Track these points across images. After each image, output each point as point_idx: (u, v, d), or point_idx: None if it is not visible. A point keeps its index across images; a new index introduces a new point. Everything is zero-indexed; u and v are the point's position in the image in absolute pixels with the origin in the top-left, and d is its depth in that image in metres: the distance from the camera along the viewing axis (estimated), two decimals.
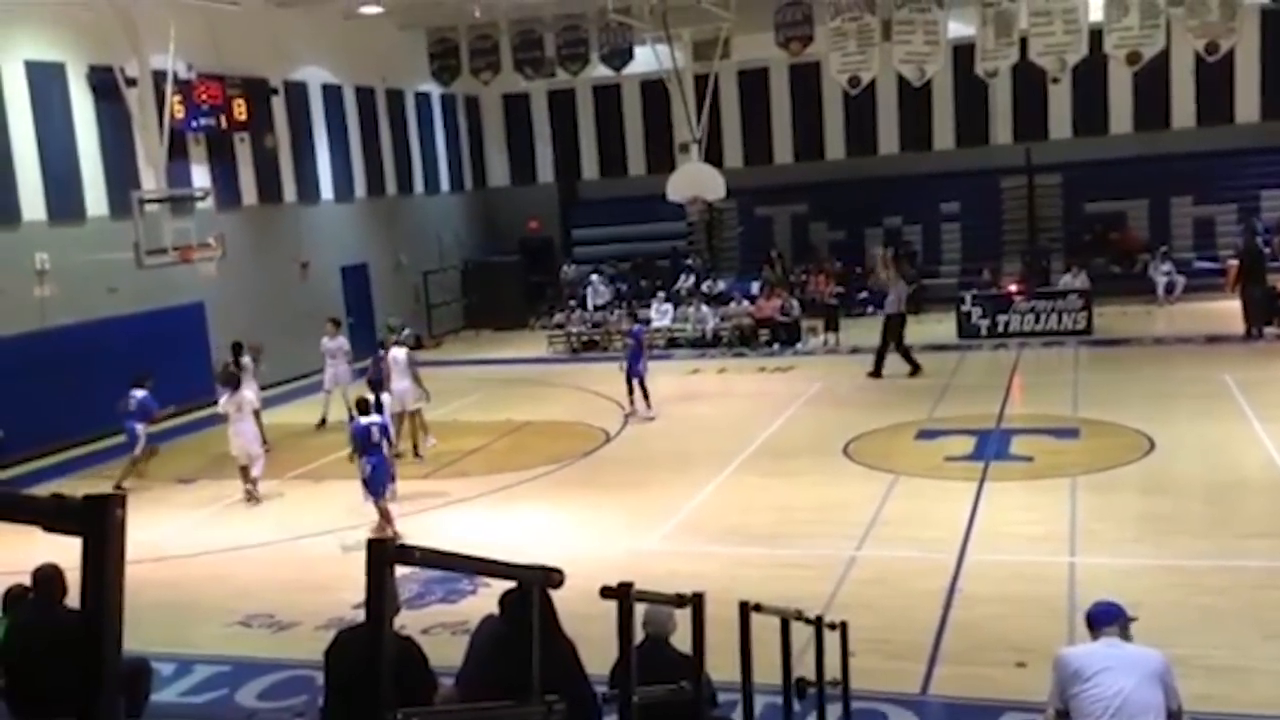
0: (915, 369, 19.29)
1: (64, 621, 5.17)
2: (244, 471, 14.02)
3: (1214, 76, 25.33)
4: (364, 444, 11.81)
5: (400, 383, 15.28)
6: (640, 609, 4.99)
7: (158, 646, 8.21)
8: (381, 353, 15.99)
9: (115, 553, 1.48)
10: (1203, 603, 8.84)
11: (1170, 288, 25.29)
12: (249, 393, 14.46)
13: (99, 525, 1.48)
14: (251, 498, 13.87)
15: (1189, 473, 12.72)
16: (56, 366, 17.19)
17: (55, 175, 18.15)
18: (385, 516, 11.95)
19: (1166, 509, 11.41)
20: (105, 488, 10.83)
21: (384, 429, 12.29)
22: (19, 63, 17.66)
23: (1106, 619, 4.97)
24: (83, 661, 1.48)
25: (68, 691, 1.52)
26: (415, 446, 15.52)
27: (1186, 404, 15.74)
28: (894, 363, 19.30)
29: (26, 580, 5.95)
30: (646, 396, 17.25)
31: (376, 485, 11.84)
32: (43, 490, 1.93)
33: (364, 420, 12.04)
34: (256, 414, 14.37)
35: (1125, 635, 4.95)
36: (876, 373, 19.32)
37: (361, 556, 2.34)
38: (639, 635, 5.18)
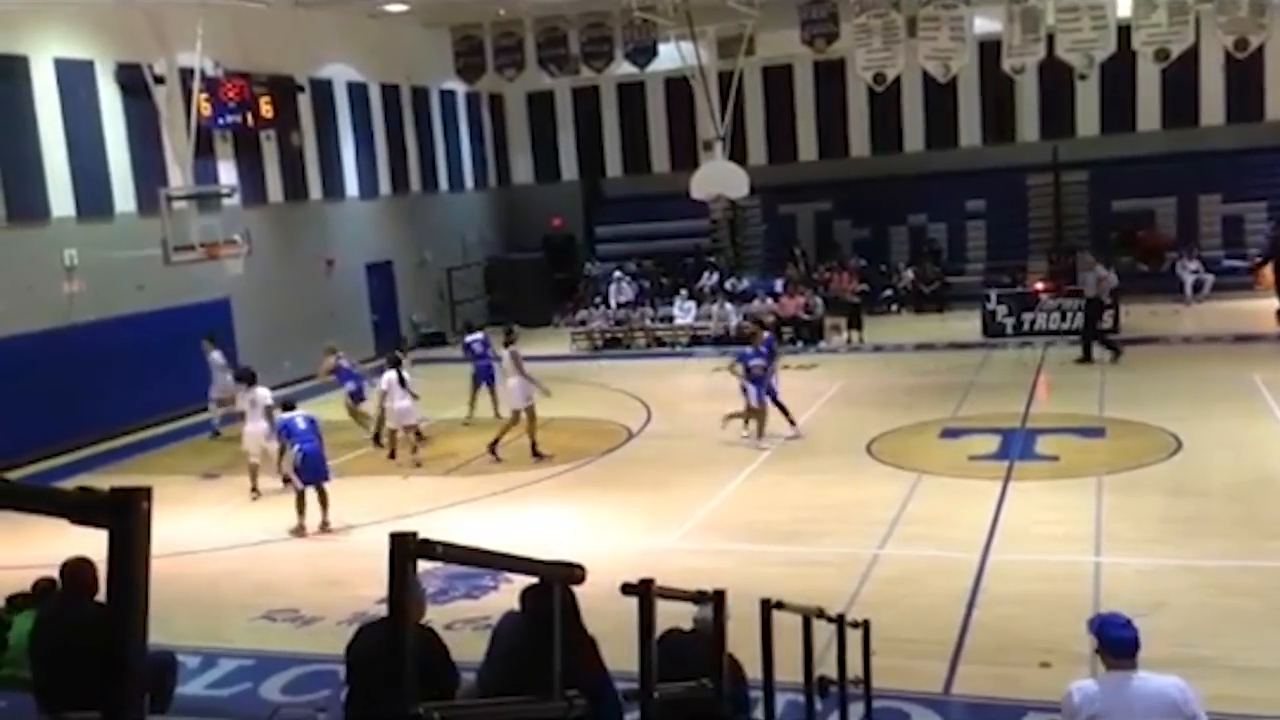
0: (1087, 358, 19.13)
1: (90, 615, 5.21)
2: (254, 470, 14.06)
3: (1243, 73, 25.08)
4: (291, 434, 12.47)
5: (511, 379, 15.30)
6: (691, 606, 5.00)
7: (184, 640, 8.29)
8: (479, 346, 17.14)
9: (141, 546, 1.49)
10: (1228, 603, 8.77)
11: (1198, 286, 25.05)
12: (262, 390, 14.35)
13: (125, 518, 1.49)
14: (255, 492, 13.99)
15: (1216, 473, 12.60)
16: (84, 362, 17.35)
17: (84, 172, 18.31)
18: (301, 503, 12.47)
19: (1193, 509, 11.33)
20: (132, 481, 10.93)
21: (311, 420, 12.75)
22: (48, 60, 17.83)
23: (1125, 650, 4.47)
24: (108, 655, 1.50)
25: (94, 685, 1.53)
26: (534, 445, 15.16)
27: (1214, 404, 15.59)
28: (915, 364, 19.19)
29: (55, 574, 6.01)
30: (786, 411, 15.43)
31: (307, 472, 12.36)
32: (70, 485, 1.96)
33: (286, 415, 12.76)
34: (269, 411, 13.94)
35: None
36: (1115, 353, 19.22)
37: (384, 551, 2.35)
38: (686, 625, 5.20)
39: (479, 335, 18.18)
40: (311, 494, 12.45)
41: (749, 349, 15.49)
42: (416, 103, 27.53)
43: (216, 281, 19.67)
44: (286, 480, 13.82)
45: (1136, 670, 4.45)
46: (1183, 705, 4.37)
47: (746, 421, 15.32)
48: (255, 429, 14.02)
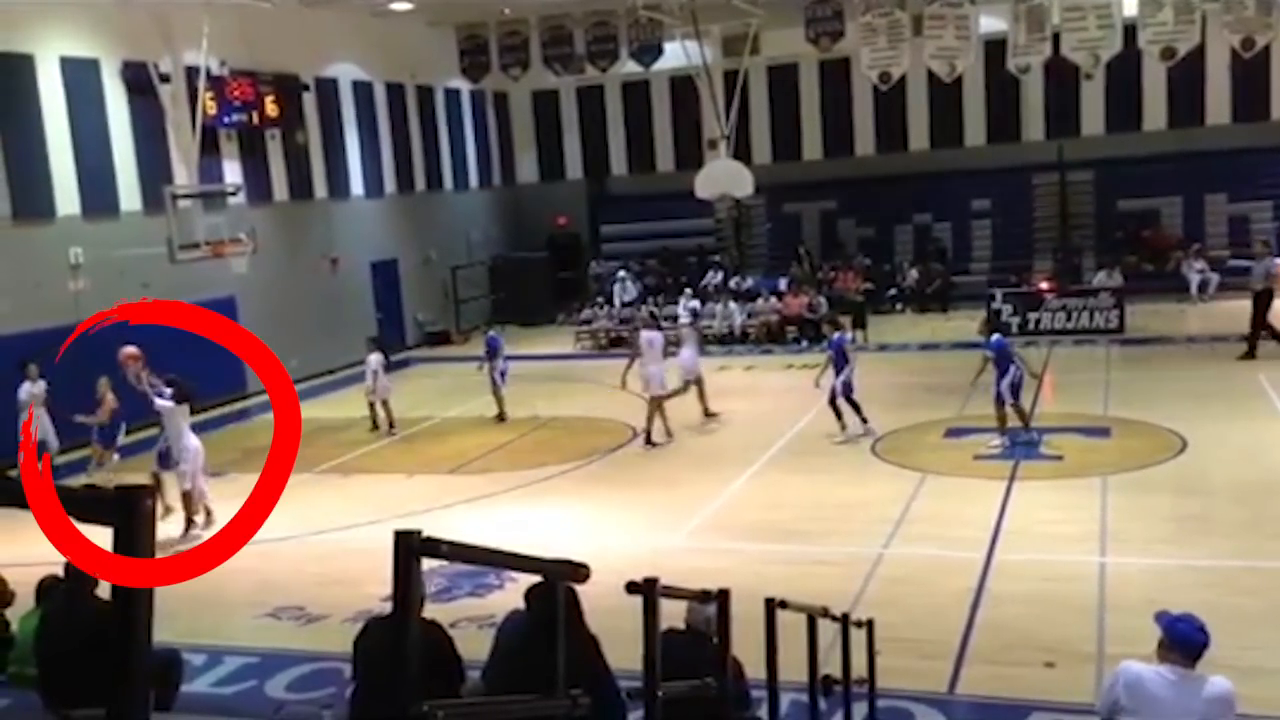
0: (1251, 354, 18.40)
1: (95, 612, 5.22)
2: (186, 497, 12.46)
3: (1250, 72, 25.02)
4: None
5: (687, 351, 16.66)
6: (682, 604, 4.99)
7: (188, 638, 8.30)
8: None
9: (145, 543, 1.50)
10: (1234, 603, 8.73)
11: (1204, 286, 25.02)
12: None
13: (129, 516, 1.49)
14: (193, 526, 12.52)
15: (1221, 473, 12.58)
16: (89, 360, 17.34)
17: (89, 171, 18.33)
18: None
19: (1198, 509, 11.30)
20: (135, 480, 10.95)
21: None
22: (54, 59, 17.85)
23: (1193, 651, 4.49)
24: (113, 652, 1.50)
25: (99, 682, 1.54)
26: (706, 410, 16.53)
27: (1220, 404, 15.56)
28: (919, 364, 19.11)
29: (57, 571, 6.01)
30: (858, 410, 15.15)
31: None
32: (74, 483, 1.96)
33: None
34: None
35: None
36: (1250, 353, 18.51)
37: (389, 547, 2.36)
38: (679, 626, 5.20)
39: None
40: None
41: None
42: (421, 101, 27.54)
43: (221, 280, 19.69)
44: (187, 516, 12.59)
45: (1188, 669, 4.47)
46: (1227, 714, 4.43)
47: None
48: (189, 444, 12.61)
